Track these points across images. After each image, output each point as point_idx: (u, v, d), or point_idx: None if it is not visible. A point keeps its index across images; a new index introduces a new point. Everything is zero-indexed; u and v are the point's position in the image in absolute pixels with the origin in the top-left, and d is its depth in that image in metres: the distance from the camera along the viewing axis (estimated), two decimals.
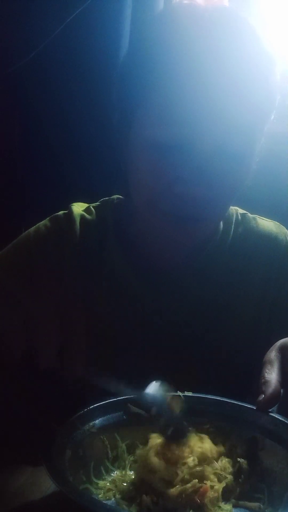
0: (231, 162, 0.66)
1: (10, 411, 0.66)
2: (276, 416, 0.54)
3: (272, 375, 0.54)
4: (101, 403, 0.57)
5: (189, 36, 0.64)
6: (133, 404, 0.57)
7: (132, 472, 0.54)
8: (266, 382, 0.54)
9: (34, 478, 0.55)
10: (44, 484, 0.54)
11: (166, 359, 0.74)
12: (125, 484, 0.53)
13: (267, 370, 0.55)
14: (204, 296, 0.77)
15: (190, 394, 0.59)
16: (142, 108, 0.68)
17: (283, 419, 0.54)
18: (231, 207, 0.83)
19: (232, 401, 0.58)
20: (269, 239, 0.81)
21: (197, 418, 0.57)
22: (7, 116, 1.13)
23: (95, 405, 0.56)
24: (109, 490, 0.52)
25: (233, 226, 0.81)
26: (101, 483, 0.53)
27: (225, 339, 0.77)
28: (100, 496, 0.51)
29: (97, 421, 0.56)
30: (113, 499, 0.51)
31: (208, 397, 0.59)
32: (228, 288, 0.78)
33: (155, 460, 0.51)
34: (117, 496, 0.51)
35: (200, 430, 0.56)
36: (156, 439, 0.54)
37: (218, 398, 0.59)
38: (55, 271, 0.77)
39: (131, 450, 0.57)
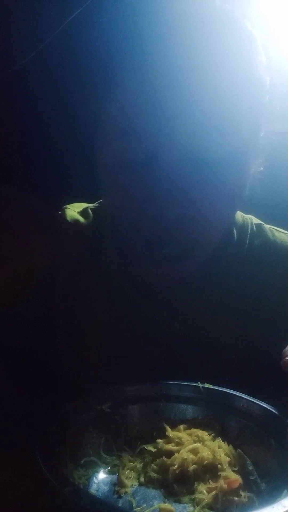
0: (212, 174, 0.56)
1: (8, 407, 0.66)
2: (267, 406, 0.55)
3: None
4: (119, 386, 0.59)
5: (147, 27, 0.54)
6: None
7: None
8: None
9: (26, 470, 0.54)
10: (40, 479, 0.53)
11: (168, 370, 0.69)
12: (132, 463, 0.53)
13: None
14: (211, 309, 0.73)
15: (210, 386, 0.60)
16: (101, 120, 0.60)
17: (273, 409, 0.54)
18: (245, 215, 0.78)
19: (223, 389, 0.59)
20: (287, 253, 0.76)
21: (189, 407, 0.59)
22: (7, 116, 1.13)
23: (113, 387, 0.58)
24: (114, 465, 0.53)
25: (248, 237, 0.76)
26: (109, 458, 0.54)
27: (230, 350, 0.73)
28: (103, 470, 0.53)
29: (111, 403, 0.57)
30: (116, 474, 0.52)
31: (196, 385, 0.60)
32: (241, 300, 0.73)
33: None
34: (121, 471, 0.52)
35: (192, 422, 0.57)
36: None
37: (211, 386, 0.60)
38: (45, 280, 0.73)
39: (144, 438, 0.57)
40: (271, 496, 0.46)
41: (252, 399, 0.56)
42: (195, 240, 0.61)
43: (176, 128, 0.54)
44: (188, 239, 0.61)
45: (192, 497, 0.48)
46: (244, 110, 0.57)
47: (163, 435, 0.55)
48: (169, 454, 0.52)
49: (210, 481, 0.50)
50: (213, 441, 0.54)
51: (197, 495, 0.48)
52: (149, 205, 0.58)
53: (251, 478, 0.51)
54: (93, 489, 0.50)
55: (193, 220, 0.58)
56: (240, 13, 0.58)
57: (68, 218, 0.75)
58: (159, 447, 0.54)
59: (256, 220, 0.79)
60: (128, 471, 0.52)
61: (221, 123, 0.55)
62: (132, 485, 0.51)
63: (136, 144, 0.56)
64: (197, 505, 0.47)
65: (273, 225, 0.81)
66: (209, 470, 0.51)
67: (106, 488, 0.51)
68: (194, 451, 0.52)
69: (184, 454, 0.51)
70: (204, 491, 0.48)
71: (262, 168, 0.67)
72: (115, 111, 0.58)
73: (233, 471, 0.51)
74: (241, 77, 0.56)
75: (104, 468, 0.53)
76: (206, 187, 0.57)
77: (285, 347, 0.58)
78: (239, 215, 0.78)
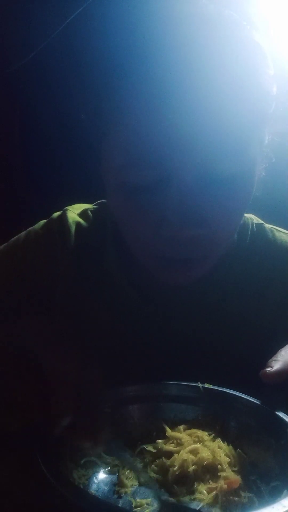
0: (223, 192, 0.57)
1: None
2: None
3: (285, 357, 0.53)
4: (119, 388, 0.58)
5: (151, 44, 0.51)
6: None
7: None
8: (277, 360, 0.53)
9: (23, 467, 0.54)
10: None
11: (168, 370, 0.68)
12: (133, 464, 0.53)
13: (282, 353, 0.54)
14: (210, 309, 0.73)
15: (210, 386, 0.59)
16: (105, 143, 0.59)
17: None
18: (246, 214, 0.77)
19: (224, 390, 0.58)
20: (287, 253, 0.76)
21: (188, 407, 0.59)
22: (7, 116, 1.13)
23: (113, 387, 0.57)
24: (114, 465, 0.53)
25: (248, 237, 0.76)
26: (109, 458, 0.54)
27: (230, 350, 0.73)
28: (103, 470, 0.52)
29: (111, 403, 0.56)
30: (116, 474, 0.52)
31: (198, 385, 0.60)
32: (240, 300, 0.73)
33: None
34: (121, 471, 0.52)
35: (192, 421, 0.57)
36: None
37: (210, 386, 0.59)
38: (46, 283, 0.73)
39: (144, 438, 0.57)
40: (271, 496, 0.46)
41: (252, 399, 0.56)
42: (205, 250, 0.61)
43: (188, 152, 0.53)
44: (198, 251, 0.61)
45: (192, 497, 0.48)
46: (254, 125, 0.57)
47: (163, 436, 0.55)
48: (169, 454, 0.52)
49: (210, 481, 0.49)
50: (213, 441, 0.54)
51: (197, 496, 0.48)
52: (164, 228, 0.57)
53: (251, 478, 0.51)
54: (93, 489, 0.50)
55: (207, 238, 0.59)
56: (245, 20, 0.56)
57: (70, 220, 0.75)
58: (159, 447, 0.54)
59: (256, 220, 0.79)
60: (128, 471, 0.52)
61: (232, 140, 0.54)
62: (132, 485, 0.51)
63: (146, 172, 0.55)
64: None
65: (273, 225, 0.81)
66: (209, 471, 0.51)
67: (106, 488, 0.50)
68: (194, 452, 0.52)
69: (184, 454, 0.51)
70: (204, 492, 0.48)
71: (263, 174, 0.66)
72: (119, 140, 0.56)
73: (233, 471, 0.51)
74: (250, 93, 0.55)
75: (104, 468, 0.53)
76: (219, 206, 0.57)
77: (285, 346, 0.58)
78: None
